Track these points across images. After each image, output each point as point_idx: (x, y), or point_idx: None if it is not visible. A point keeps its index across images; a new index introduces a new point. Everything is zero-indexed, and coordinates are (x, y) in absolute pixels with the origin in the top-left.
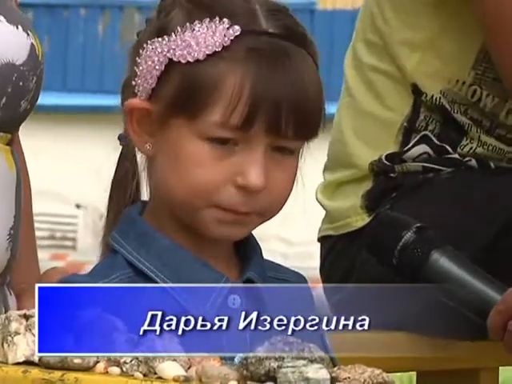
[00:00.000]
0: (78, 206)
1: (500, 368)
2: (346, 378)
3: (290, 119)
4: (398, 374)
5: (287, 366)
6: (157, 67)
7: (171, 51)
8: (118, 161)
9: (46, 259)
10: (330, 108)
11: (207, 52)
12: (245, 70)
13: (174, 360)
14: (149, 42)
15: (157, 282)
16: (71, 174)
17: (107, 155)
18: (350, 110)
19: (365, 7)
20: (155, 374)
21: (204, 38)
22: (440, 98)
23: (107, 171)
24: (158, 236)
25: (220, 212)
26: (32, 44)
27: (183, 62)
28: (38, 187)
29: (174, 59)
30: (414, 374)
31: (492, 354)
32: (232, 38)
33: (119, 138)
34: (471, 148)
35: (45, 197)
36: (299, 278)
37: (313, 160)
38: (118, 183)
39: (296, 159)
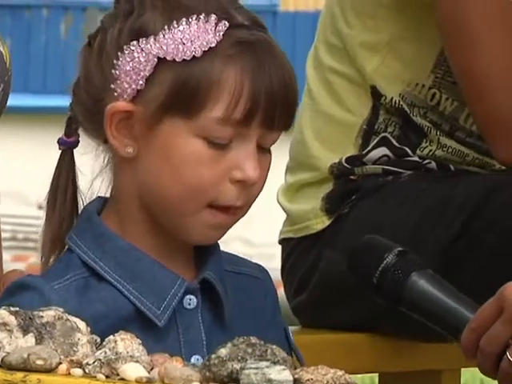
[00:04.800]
0: (40, 208)
1: (462, 369)
2: (308, 380)
3: (283, 110)
4: (360, 375)
5: (250, 368)
6: (147, 68)
7: (161, 51)
8: (57, 166)
9: (8, 261)
10: None
11: (203, 49)
12: (242, 65)
13: (137, 361)
14: (131, 43)
15: (111, 283)
16: (33, 175)
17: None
18: (311, 112)
19: (326, 8)
20: (118, 375)
21: (197, 35)
22: (399, 100)
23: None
24: (114, 237)
25: (215, 212)
26: (0, 51)
27: (178, 60)
28: (0, 188)
29: (168, 58)
30: (376, 376)
31: (454, 355)
32: (222, 33)
33: (59, 143)
34: (431, 150)
35: (7, 198)
36: (260, 271)
37: (275, 162)
38: (57, 189)
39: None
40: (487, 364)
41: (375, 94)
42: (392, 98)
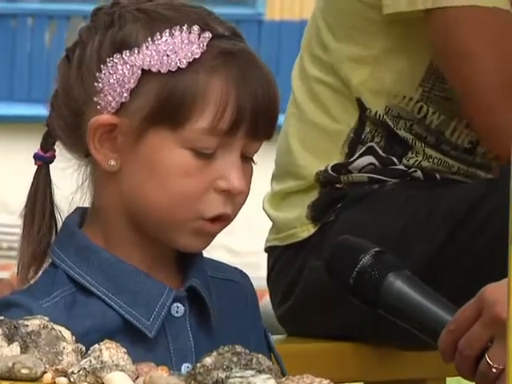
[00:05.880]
0: None
1: (447, 378)
2: None
3: (267, 119)
4: None
5: (235, 377)
6: (131, 80)
7: (146, 63)
8: (33, 181)
9: None
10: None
11: (188, 60)
12: (227, 76)
13: (122, 370)
14: (114, 56)
15: (99, 297)
16: (17, 184)
17: (54, 165)
18: (297, 121)
19: (312, 20)
20: None
21: (181, 46)
22: (383, 115)
23: (54, 181)
24: (98, 249)
25: (205, 223)
26: None
27: (163, 71)
28: None
29: (153, 70)
30: None
31: (439, 363)
32: (206, 43)
33: (35, 158)
34: (416, 160)
35: None
36: (241, 276)
37: (258, 170)
38: (34, 205)
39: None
40: (465, 366)
41: (361, 106)
42: (376, 112)
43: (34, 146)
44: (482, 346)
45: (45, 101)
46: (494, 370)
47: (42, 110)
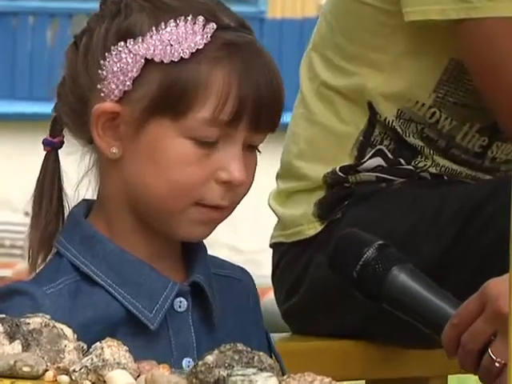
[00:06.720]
0: (26, 214)
1: (448, 376)
2: None
3: (270, 112)
4: (348, 382)
5: (237, 375)
6: (134, 69)
7: (149, 52)
8: (42, 167)
9: None
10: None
11: (191, 50)
12: (230, 67)
13: (124, 368)
14: (119, 44)
15: (103, 287)
16: (20, 181)
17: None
18: (305, 121)
19: (324, 21)
20: (104, 382)
21: (185, 36)
22: (393, 121)
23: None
24: (104, 239)
25: (202, 209)
26: None
27: (166, 61)
28: None
29: (156, 59)
30: (363, 383)
31: (441, 362)
32: (210, 34)
33: (43, 143)
34: (425, 165)
35: None
36: (243, 274)
37: (262, 168)
38: (42, 190)
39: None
40: (468, 360)
41: (372, 109)
42: (386, 118)
43: (36, 144)
44: (485, 340)
45: (46, 99)
46: (496, 365)
47: (44, 108)
